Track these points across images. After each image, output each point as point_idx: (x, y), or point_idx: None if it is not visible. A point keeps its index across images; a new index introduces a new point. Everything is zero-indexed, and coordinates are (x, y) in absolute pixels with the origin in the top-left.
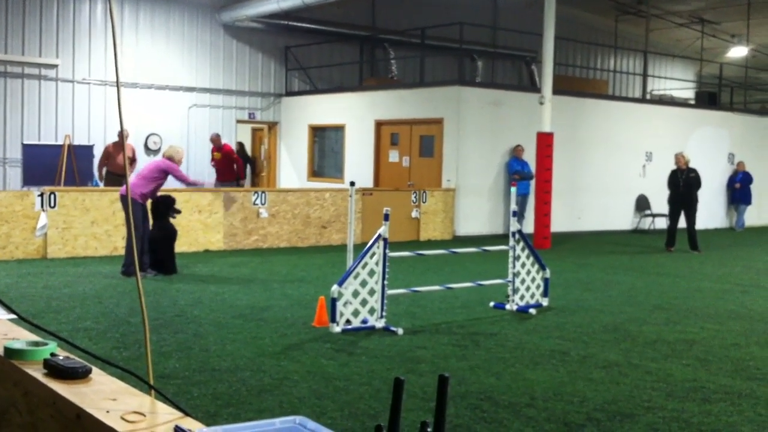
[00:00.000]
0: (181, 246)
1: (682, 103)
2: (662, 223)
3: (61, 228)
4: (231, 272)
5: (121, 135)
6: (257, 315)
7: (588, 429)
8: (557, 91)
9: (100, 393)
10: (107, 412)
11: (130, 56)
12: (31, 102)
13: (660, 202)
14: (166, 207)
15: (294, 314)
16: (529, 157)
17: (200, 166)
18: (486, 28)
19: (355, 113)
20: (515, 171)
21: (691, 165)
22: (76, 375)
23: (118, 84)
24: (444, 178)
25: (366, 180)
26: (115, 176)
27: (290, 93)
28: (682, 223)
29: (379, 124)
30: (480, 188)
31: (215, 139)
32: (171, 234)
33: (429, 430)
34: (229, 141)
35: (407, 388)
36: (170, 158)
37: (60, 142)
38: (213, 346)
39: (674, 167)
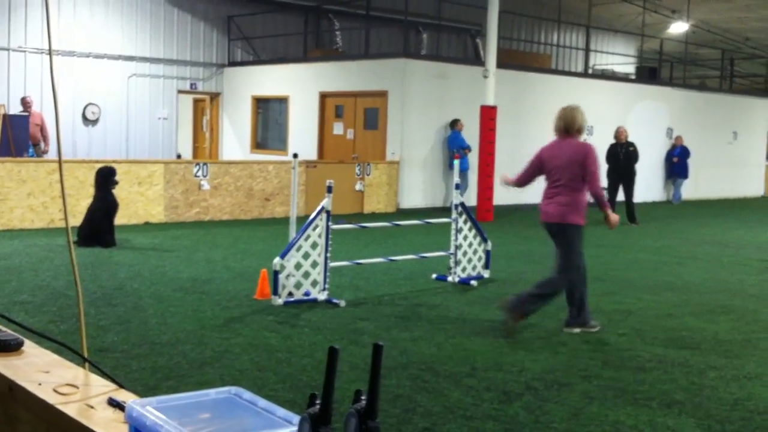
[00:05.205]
0: (120, 218)
1: (623, 78)
2: None
3: None
4: (172, 245)
5: (26, 103)
6: (199, 288)
7: (526, 397)
8: (501, 64)
9: (33, 365)
10: (39, 384)
11: (68, 24)
12: None
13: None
14: (105, 178)
15: (236, 287)
16: (473, 130)
17: (141, 138)
18: (431, 0)
19: (300, 85)
20: (465, 146)
21: (630, 139)
22: (8, 347)
23: (50, 50)
24: (388, 151)
25: (310, 152)
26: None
27: (233, 63)
28: (620, 196)
29: (324, 96)
30: (424, 161)
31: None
32: (111, 206)
33: (363, 398)
34: (172, 113)
35: (349, 360)
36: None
37: None
38: (153, 319)
39: (613, 141)
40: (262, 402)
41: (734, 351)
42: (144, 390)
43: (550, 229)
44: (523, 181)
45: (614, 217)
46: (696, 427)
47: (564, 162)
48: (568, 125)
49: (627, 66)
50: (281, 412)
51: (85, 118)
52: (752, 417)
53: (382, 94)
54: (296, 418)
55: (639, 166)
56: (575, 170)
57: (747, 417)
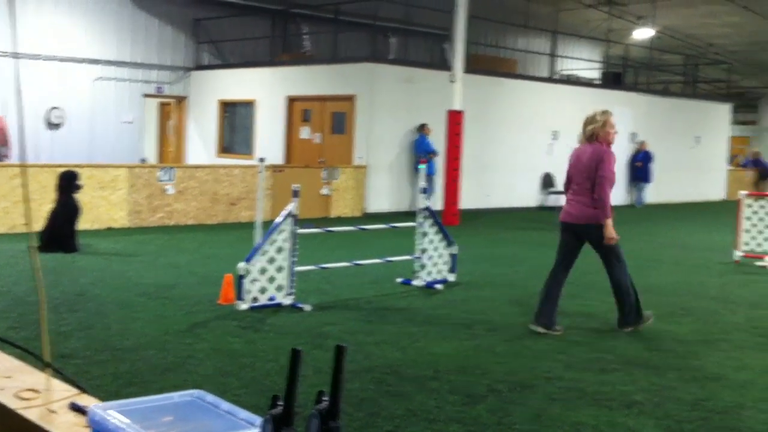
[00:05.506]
0: (83, 223)
1: (588, 83)
2: None
3: None
4: (136, 250)
5: None
6: (162, 293)
7: (489, 399)
8: (468, 69)
9: None
10: (1, 389)
11: (32, 26)
12: None
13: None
14: (68, 182)
15: (200, 292)
16: (440, 134)
17: (105, 142)
18: (400, 5)
19: (267, 89)
20: (431, 151)
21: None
22: None
23: (15, 53)
24: (355, 155)
25: (277, 157)
26: None
27: (200, 67)
28: None
29: (291, 100)
30: (391, 165)
31: None
32: (73, 211)
33: (324, 399)
34: (138, 117)
35: (313, 364)
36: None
37: None
38: (115, 325)
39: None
40: (225, 405)
41: (694, 352)
42: (106, 396)
43: (573, 230)
44: (567, 189)
45: (612, 233)
46: (655, 427)
47: (583, 165)
48: (583, 130)
49: (592, 71)
50: (244, 414)
51: (49, 122)
52: (711, 417)
53: (350, 99)
54: (259, 420)
55: None
56: (592, 174)
57: (706, 417)
